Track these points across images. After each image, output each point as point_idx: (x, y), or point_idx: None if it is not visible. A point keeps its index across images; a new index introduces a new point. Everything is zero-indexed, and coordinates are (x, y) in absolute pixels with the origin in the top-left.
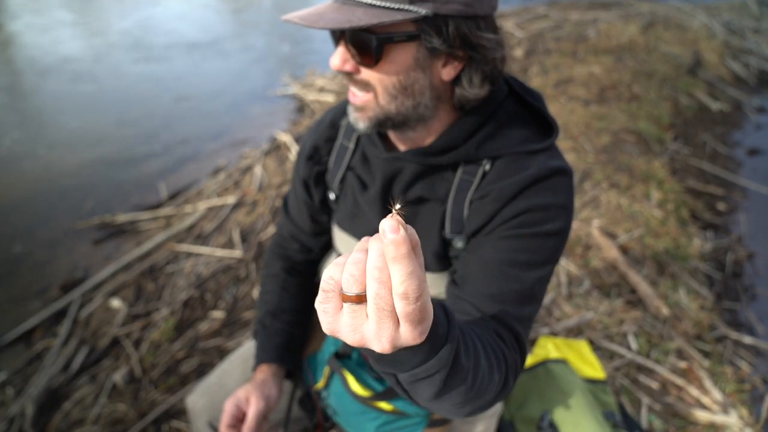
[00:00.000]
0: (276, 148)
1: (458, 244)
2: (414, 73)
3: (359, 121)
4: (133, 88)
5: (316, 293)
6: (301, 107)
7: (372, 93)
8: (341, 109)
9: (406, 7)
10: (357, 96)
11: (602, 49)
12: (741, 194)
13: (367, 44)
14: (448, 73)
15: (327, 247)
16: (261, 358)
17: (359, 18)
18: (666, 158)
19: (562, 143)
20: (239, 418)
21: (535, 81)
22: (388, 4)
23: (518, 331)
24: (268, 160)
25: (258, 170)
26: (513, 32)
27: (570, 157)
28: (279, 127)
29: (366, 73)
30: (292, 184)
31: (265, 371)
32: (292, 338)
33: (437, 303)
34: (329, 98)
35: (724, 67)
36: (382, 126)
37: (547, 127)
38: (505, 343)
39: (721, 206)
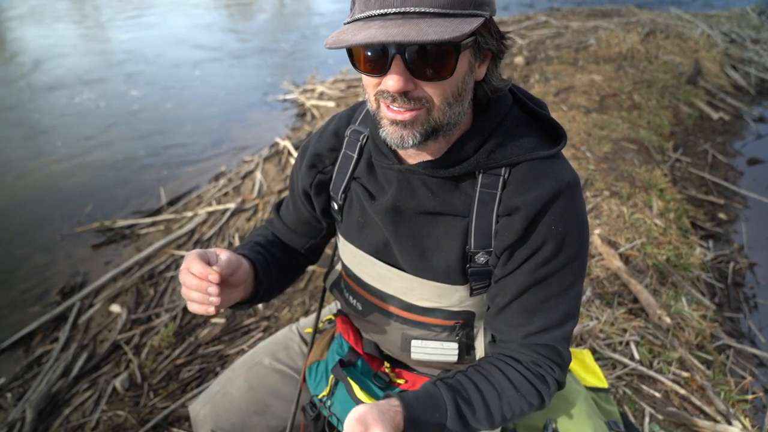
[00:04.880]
0: (276, 154)
1: (481, 259)
2: (467, 78)
3: (407, 138)
4: (133, 94)
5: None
6: (302, 113)
7: (424, 107)
8: (345, 118)
9: (475, 12)
10: (406, 113)
11: (603, 57)
12: (742, 203)
13: (446, 56)
14: (481, 71)
15: (317, 251)
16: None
17: (455, 27)
18: (667, 167)
19: (563, 151)
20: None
21: (535, 89)
22: (459, 11)
23: (560, 350)
24: (268, 165)
25: (258, 176)
26: (514, 40)
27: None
28: (279, 132)
29: (427, 87)
30: (290, 191)
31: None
32: (270, 269)
33: (428, 396)
34: (329, 104)
35: (725, 76)
36: (428, 139)
37: (552, 134)
38: (544, 367)
39: (722, 215)
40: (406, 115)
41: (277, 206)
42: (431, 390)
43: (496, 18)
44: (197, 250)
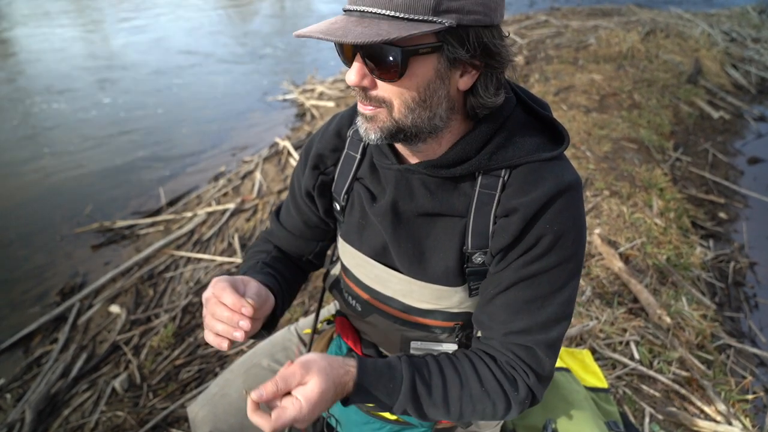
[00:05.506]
0: (276, 154)
1: (478, 259)
2: (433, 85)
3: (370, 132)
4: (134, 95)
5: (303, 280)
6: (302, 113)
7: (384, 107)
8: (347, 118)
9: (431, 18)
10: (368, 107)
11: (603, 56)
12: (742, 203)
13: (391, 58)
14: (465, 82)
15: (325, 255)
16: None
17: (387, 31)
18: (667, 166)
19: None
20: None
21: (535, 88)
22: (412, 16)
23: (540, 356)
24: (268, 165)
25: (258, 176)
26: (514, 39)
27: None
28: (279, 132)
29: (384, 88)
30: (290, 193)
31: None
32: (283, 292)
33: (393, 363)
34: (329, 104)
35: (725, 75)
36: (393, 138)
37: (555, 135)
38: (518, 370)
39: (722, 215)
40: (368, 110)
41: (276, 214)
42: (393, 361)
43: None
44: (226, 278)
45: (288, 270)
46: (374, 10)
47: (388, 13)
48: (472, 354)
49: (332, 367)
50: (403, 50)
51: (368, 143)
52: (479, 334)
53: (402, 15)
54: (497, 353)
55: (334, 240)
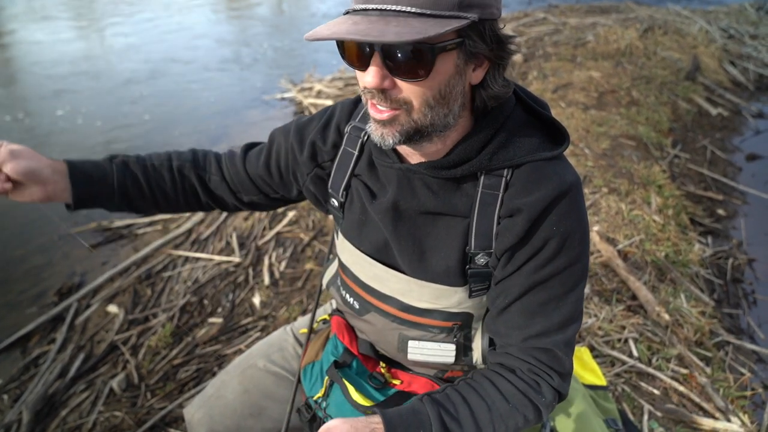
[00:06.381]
0: None
1: (481, 260)
2: (452, 81)
3: (387, 137)
4: (131, 94)
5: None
6: (300, 111)
7: (403, 108)
8: (347, 112)
9: (457, 13)
10: (384, 111)
11: (601, 53)
12: (741, 199)
13: (419, 57)
14: (477, 76)
15: (257, 208)
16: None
17: (423, 29)
18: (666, 163)
19: None
20: None
21: (533, 86)
22: (438, 12)
23: (560, 356)
24: None
25: None
26: (518, 46)
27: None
28: None
29: (406, 88)
30: (267, 152)
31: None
32: (125, 183)
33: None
34: (327, 102)
35: (723, 71)
36: (409, 140)
37: (554, 135)
38: (541, 375)
39: (720, 211)
40: (385, 115)
41: (248, 148)
42: (416, 406)
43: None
44: None
45: (172, 183)
46: (398, 8)
47: (413, 10)
48: (490, 373)
49: (356, 429)
50: (434, 48)
51: (367, 141)
52: (492, 343)
53: (429, 12)
54: (516, 362)
55: (274, 205)
